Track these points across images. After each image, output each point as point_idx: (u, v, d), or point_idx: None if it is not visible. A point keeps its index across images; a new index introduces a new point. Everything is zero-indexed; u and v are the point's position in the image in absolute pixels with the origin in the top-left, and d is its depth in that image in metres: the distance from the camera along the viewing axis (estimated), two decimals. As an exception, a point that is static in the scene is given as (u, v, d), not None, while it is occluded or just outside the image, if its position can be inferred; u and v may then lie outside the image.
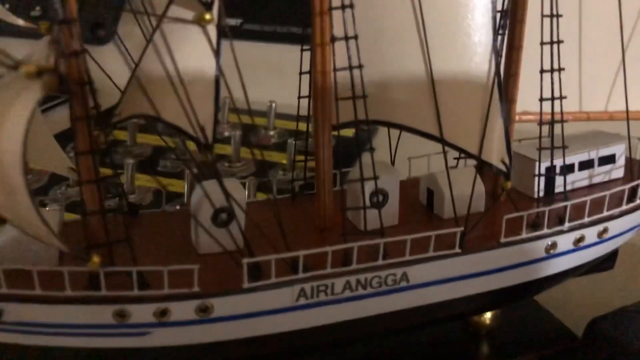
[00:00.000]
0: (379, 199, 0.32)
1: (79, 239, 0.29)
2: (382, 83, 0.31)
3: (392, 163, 0.38)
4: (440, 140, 0.31)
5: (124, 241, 0.27)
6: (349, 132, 0.32)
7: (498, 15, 0.31)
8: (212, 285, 0.29)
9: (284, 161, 0.60)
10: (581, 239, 0.36)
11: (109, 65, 0.90)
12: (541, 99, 0.33)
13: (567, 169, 0.37)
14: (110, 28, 1.02)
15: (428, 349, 0.40)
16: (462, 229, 0.32)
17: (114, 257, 0.27)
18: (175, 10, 0.30)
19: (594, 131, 0.40)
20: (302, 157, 0.37)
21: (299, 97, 0.35)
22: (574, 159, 0.37)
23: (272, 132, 0.67)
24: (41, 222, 0.24)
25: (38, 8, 1.03)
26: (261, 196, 0.48)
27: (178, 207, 0.44)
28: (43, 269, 0.26)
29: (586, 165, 0.38)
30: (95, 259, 0.26)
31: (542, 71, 0.33)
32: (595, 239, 0.36)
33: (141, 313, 0.28)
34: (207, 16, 0.29)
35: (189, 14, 0.29)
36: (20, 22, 0.34)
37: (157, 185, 0.51)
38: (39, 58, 0.29)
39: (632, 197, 0.37)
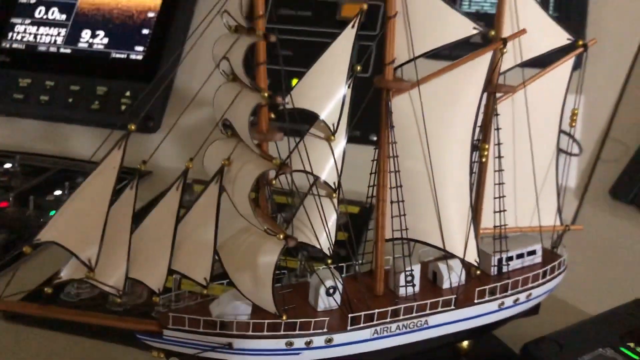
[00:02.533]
0: (412, 281, 0.60)
1: None
2: (415, 220, 0.59)
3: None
4: (444, 250, 0.59)
5: (293, 307, 0.54)
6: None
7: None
8: (331, 328, 0.56)
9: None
10: (517, 299, 0.64)
11: (159, 150, 1.19)
12: (494, 226, 0.62)
13: (509, 259, 0.66)
14: (159, 119, 1.29)
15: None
16: (455, 296, 0.60)
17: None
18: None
19: (525, 234, 0.69)
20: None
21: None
22: (513, 253, 0.66)
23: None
24: (273, 298, 0.51)
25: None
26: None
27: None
28: (256, 322, 0.53)
29: (520, 256, 0.66)
30: (285, 317, 0.52)
31: (495, 211, 0.62)
32: (525, 299, 0.64)
33: (299, 342, 0.55)
34: (333, 137, 0.54)
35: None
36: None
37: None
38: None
39: (545, 275, 0.66)
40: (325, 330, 0.55)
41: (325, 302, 0.57)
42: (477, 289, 0.60)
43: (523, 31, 0.56)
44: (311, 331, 0.54)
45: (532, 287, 0.63)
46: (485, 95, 0.58)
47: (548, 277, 0.65)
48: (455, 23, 0.54)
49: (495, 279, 0.63)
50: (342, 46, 0.52)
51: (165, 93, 1.29)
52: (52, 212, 1.01)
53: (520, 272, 0.64)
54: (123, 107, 1.28)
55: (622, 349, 0.62)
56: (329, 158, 0.53)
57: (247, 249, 0.51)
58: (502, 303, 0.62)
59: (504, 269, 0.64)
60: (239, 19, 0.50)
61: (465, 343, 0.67)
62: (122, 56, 1.32)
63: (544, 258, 0.67)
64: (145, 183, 1.15)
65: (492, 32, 0.56)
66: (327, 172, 0.54)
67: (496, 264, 0.64)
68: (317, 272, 0.57)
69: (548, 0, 1.11)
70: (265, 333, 0.53)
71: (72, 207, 0.49)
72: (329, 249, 0.55)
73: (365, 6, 0.52)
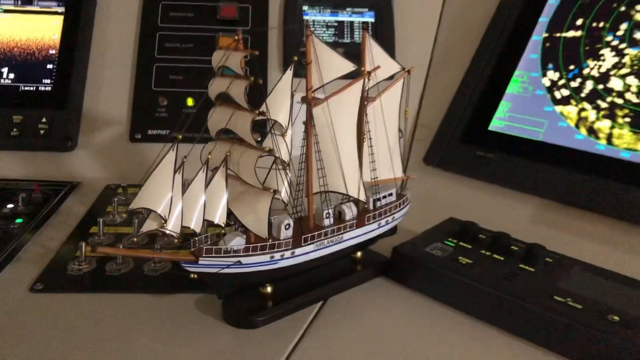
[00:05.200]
0: (330, 216, 1.00)
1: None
2: (330, 179, 0.99)
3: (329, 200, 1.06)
4: (348, 195, 1.00)
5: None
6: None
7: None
8: (293, 245, 0.94)
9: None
10: (387, 221, 1.07)
11: (77, 167, 1.59)
12: (371, 179, 1.05)
13: (379, 200, 1.10)
14: (75, 139, 1.54)
15: (337, 266, 1.08)
16: (355, 221, 1.02)
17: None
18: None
19: (386, 185, 1.13)
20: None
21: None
22: (381, 195, 1.10)
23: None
24: (266, 226, 0.87)
25: None
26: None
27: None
28: (257, 245, 0.89)
29: (385, 197, 1.10)
30: (269, 240, 0.89)
31: (370, 170, 1.05)
32: (391, 221, 1.08)
33: (277, 255, 0.91)
34: (285, 134, 0.93)
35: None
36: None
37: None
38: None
39: (400, 205, 1.11)
40: (290, 247, 0.93)
41: (284, 233, 0.95)
42: (366, 216, 1.03)
43: (378, 67, 1.00)
44: (283, 248, 0.92)
45: (394, 213, 1.08)
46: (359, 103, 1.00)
47: (402, 207, 1.10)
48: (343, 64, 0.96)
49: (374, 210, 1.06)
50: (286, 80, 0.90)
51: (77, 117, 1.54)
52: (19, 220, 1.25)
53: (386, 205, 1.08)
54: (42, 132, 1.51)
55: (446, 242, 1.09)
56: (284, 145, 0.92)
57: (248, 201, 0.88)
58: (380, 223, 1.06)
59: (378, 204, 1.07)
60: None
61: (358, 254, 1.09)
62: (31, 89, 1.55)
63: (397, 197, 1.11)
64: (78, 192, 1.42)
65: (363, 68, 0.99)
66: (283, 154, 0.92)
67: (373, 202, 1.07)
68: (275, 217, 0.95)
69: (370, 33, 1.60)
70: (259, 252, 0.90)
71: (148, 186, 0.81)
72: (287, 200, 0.93)
73: (295, 58, 0.91)
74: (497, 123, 1.44)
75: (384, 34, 1.63)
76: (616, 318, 0.86)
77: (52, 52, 1.57)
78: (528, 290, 0.94)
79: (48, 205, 1.31)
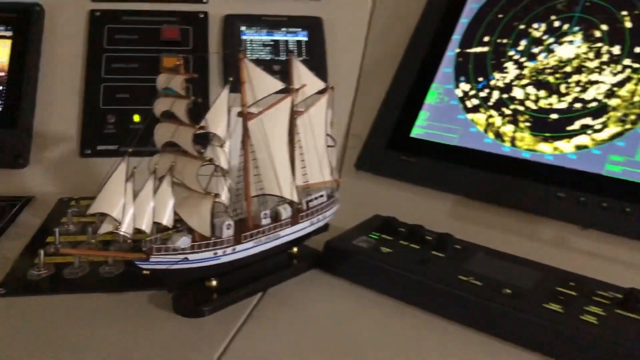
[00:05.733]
0: (267, 216, 1.14)
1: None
2: (266, 183, 1.13)
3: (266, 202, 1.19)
4: (283, 197, 1.14)
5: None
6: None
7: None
8: (234, 242, 1.07)
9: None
10: (319, 219, 1.21)
11: (29, 182, 1.71)
12: (303, 183, 1.19)
13: (312, 201, 1.24)
14: (27, 156, 1.62)
15: (275, 260, 1.19)
16: (290, 219, 1.15)
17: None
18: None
19: (319, 188, 1.27)
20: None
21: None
22: (313, 197, 1.24)
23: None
24: (210, 226, 0.99)
25: None
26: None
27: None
28: (201, 243, 1.01)
29: (317, 198, 1.24)
30: (213, 238, 1.02)
31: (302, 174, 1.19)
32: (322, 218, 1.22)
33: (220, 252, 1.04)
34: (223, 145, 1.07)
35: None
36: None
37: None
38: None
39: (330, 205, 1.25)
40: (232, 244, 1.06)
41: (226, 233, 1.08)
42: (300, 215, 1.17)
43: (305, 85, 1.14)
44: (225, 245, 1.05)
45: (325, 211, 1.22)
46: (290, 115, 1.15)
47: (332, 206, 1.24)
48: (273, 82, 1.10)
49: (307, 210, 1.20)
50: (223, 98, 1.04)
51: (28, 135, 1.63)
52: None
53: (318, 206, 1.23)
54: (-6, 150, 1.58)
55: (370, 235, 1.25)
56: (223, 155, 1.05)
57: (192, 204, 1.00)
58: (312, 221, 1.20)
59: (311, 205, 1.21)
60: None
61: (294, 249, 1.23)
62: (-19, 109, 1.62)
63: (327, 197, 1.26)
64: (32, 206, 1.51)
65: (291, 86, 1.13)
66: (222, 163, 1.05)
67: (306, 203, 1.21)
68: (217, 219, 1.08)
69: (301, 54, 1.75)
70: (204, 249, 1.03)
71: (104, 193, 0.93)
72: (227, 203, 1.06)
73: (231, 78, 1.05)
74: (418, 130, 1.60)
75: (317, 52, 1.78)
76: (509, 291, 1.03)
77: (1, 74, 1.65)
78: (438, 272, 1.09)
79: (3, 219, 1.39)
